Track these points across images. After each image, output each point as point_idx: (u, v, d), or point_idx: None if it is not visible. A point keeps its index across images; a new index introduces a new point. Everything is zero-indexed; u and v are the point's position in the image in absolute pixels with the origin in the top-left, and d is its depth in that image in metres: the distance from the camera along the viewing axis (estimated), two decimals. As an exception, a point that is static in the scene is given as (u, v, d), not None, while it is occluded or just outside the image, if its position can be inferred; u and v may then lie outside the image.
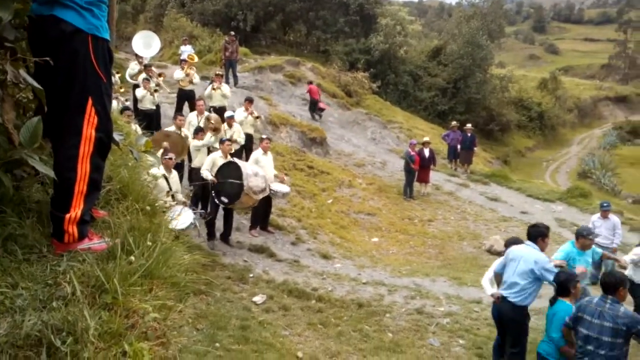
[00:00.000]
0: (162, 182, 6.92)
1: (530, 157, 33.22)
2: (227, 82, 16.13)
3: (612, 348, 4.28)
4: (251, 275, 8.45)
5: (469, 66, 29.59)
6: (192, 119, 10.75)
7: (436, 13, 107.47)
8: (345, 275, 9.09)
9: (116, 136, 2.30)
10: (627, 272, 7.00)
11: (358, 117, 21.81)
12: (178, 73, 13.26)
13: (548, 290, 6.05)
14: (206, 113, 10.86)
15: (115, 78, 11.67)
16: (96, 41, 1.93)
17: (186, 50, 17.48)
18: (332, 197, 13.61)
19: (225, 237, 9.27)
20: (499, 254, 11.11)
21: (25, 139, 1.75)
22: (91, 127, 1.92)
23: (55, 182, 1.88)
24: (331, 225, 11.82)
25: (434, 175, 16.09)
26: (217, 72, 13.61)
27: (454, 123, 18.88)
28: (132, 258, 1.89)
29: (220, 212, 9.11)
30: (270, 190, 9.22)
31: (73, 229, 1.90)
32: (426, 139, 16.25)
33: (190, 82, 12.96)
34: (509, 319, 5.42)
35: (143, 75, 11.79)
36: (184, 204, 7.41)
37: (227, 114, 10.93)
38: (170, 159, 7.98)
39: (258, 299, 7.70)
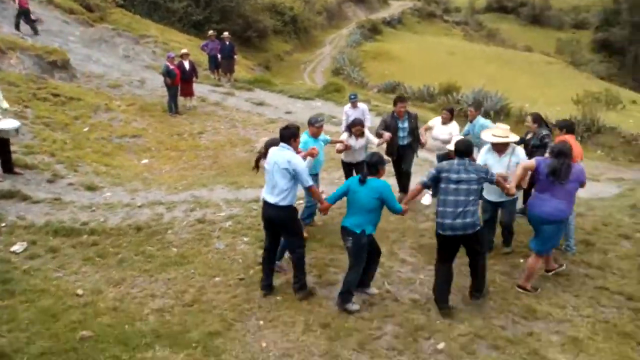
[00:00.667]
0: None
1: (289, 61, 34.78)
2: None
3: (475, 194, 5.09)
4: (3, 224, 7.34)
5: (218, -27, 28.65)
6: None
7: None
8: (118, 203, 8.53)
9: None
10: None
11: (104, 33, 19.64)
12: None
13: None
14: None
15: None
16: None
17: None
18: (88, 124, 12.31)
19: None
20: (269, 153, 11.76)
21: None
22: None
23: None
24: (92, 155, 10.79)
25: (198, 88, 15.73)
26: None
27: (211, 32, 18.34)
28: None
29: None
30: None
31: None
32: (184, 50, 15.55)
33: None
34: (281, 221, 5.51)
35: None
36: None
37: None
38: None
39: (17, 247, 6.80)
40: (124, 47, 19.29)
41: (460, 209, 5.00)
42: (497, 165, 5.96)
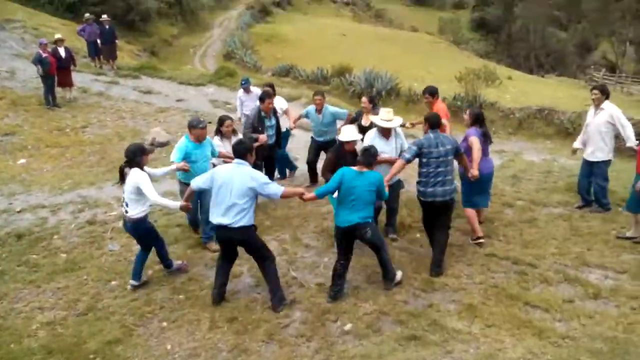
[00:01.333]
0: None
1: (177, 45, 33.25)
2: None
3: (451, 163, 5.72)
4: None
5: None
6: None
7: None
8: (-8, 209, 7.73)
9: None
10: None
11: (-41, 19, 17.46)
12: None
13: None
14: None
15: None
16: None
17: None
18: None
19: None
20: (163, 144, 11.23)
21: None
22: None
23: None
24: (-43, 157, 9.65)
25: (78, 77, 14.60)
26: None
27: (87, 15, 16.91)
28: None
29: None
30: None
31: None
32: (58, 36, 14.29)
33: None
34: (243, 242, 5.21)
35: None
36: None
37: None
38: None
39: None
40: (-15, 33, 17.31)
41: (440, 178, 5.60)
42: (387, 149, 6.17)
